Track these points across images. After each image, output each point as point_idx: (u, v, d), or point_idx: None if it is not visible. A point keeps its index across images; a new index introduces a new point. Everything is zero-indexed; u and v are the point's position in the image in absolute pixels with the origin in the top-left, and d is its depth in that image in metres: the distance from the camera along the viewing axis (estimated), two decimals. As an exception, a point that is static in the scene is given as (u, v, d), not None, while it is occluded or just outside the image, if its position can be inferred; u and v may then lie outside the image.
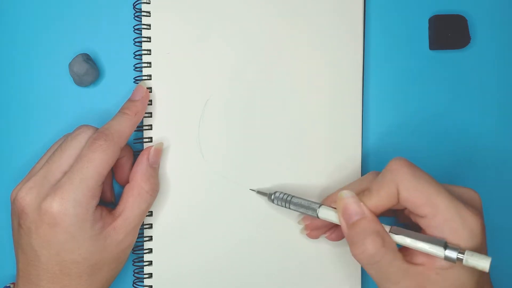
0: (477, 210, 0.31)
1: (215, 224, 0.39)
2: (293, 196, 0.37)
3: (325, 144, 0.40)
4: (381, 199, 0.32)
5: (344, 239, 0.34)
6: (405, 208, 0.33)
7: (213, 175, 0.39)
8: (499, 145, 0.41)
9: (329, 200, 0.36)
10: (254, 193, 0.40)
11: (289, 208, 0.37)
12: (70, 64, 0.39)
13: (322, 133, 0.40)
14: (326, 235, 0.38)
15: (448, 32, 0.40)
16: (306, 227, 0.38)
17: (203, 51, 0.39)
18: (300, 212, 0.36)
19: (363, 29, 0.40)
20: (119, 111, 0.37)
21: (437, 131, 0.41)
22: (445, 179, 0.41)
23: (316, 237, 0.39)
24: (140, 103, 0.37)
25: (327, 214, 0.34)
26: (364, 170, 0.40)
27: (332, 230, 0.38)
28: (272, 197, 0.38)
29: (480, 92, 0.41)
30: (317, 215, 0.35)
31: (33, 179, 0.33)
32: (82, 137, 0.35)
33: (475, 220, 0.30)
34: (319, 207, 0.35)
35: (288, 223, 0.40)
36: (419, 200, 0.30)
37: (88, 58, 0.39)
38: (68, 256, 0.33)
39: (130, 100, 0.38)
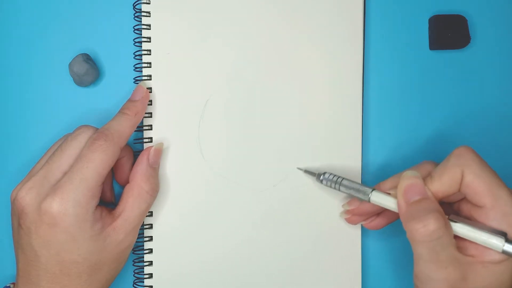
0: None
1: (215, 224, 0.39)
2: (343, 178, 0.37)
3: (325, 143, 0.40)
4: (443, 184, 0.32)
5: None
6: (457, 201, 0.33)
7: (213, 175, 0.39)
8: (499, 145, 0.41)
9: (379, 187, 0.36)
10: (254, 193, 0.40)
11: (339, 190, 0.37)
12: (70, 64, 0.39)
13: (322, 132, 0.40)
14: (365, 222, 0.38)
15: (448, 32, 0.40)
16: (348, 212, 0.38)
17: (203, 51, 0.39)
18: (349, 194, 0.36)
19: (363, 29, 0.40)
20: (119, 111, 0.37)
21: (437, 131, 0.41)
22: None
23: (355, 222, 0.39)
24: (140, 103, 0.37)
25: (380, 198, 0.34)
26: (364, 169, 0.40)
27: (373, 218, 0.38)
28: (321, 177, 0.38)
29: (480, 92, 0.41)
30: (368, 199, 0.35)
31: (33, 179, 0.33)
32: (82, 137, 0.35)
33: None
34: (372, 191, 0.35)
35: (288, 223, 0.40)
36: (481, 188, 0.31)
37: (88, 58, 0.39)
38: (68, 256, 0.33)
39: (130, 100, 0.38)
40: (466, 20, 0.41)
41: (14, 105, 0.40)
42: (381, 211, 0.37)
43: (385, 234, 0.41)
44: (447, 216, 0.32)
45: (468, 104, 0.41)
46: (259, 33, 0.40)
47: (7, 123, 0.40)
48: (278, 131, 0.40)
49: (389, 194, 0.34)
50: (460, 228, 0.31)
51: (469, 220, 0.32)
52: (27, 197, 0.33)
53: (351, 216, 0.38)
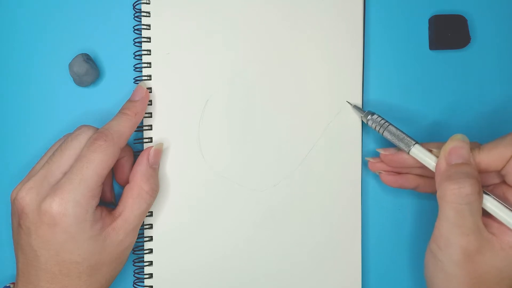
0: None
1: (215, 224, 0.39)
2: (390, 124, 0.36)
3: (325, 143, 0.40)
4: (490, 156, 0.32)
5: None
6: (491, 185, 0.34)
7: (213, 175, 0.39)
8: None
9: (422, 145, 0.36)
10: (254, 193, 0.39)
11: (382, 134, 0.37)
12: (70, 64, 0.39)
13: (322, 132, 0.40)
14: (385, 172, 0.38)
15: (448, 32, 0.40)
16: (375, 159, 0.38)
17: (203, 51, 0.39)
18: (391, 141, 0.36)
19: (363, 29, 0.40)
20: (119, 112, 0.37)
21: (437, 131, 0.41)
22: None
23: (375, 168, 0.38)
24: (140, 104, 0.37)
25: (421, 152, 0.34)
26: (365, 170, 0.40)
27: (392, 173, 0.38)
28: (369, 117, 0.37)
29: (480, 92, 0.41)
30: (409, 150, 0.35)
31: (33, 179, 0.33)
32: (83, 137, 0.34)
33: None
34: (415, 144, 0.35)
35: (288, 223, 0.40)
36: None
37: (88, 58, 0.39)
38: (68, 256, 0.33)
39: (130, 100, 0.37)
40: (466, 20, 0.41)
41: (14, 105, 0.40)
42: (405, 172, 0.38)
43: (386, 234, 0.41)
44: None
45: (468, 104, 0.41)
46: (259, 33, 0.40)
47: (7, 123, 0.40)
48: (278, 131, 0.40)
49: (431, 151, 0.35)
50: (490, 203, 0.32)
51: (500, 200, 0.32)
52: (27, 197, 0.33)
53: (377, 162, 0.38)
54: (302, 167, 0.40)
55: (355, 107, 0.39)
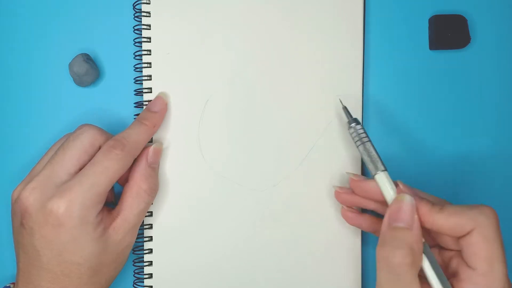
0: None
1: (215, 224, 0.39)
2: (369, 141, 0.35)
3: (325, 143, 0.40)
4: (447, 223, 0.30)
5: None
6: (456, 251, 0.32)
7: (213, 175, 0.39)
8: (499, 145, 0.41)
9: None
10: (254, 193, 0.39)
11: (357, 147, 0.35)
12: (70, 64, 0.39)
13: (322, 132, 0.40)
14: (346, 207, 0.37)
15: (448, 32, 0.40)
16: (343, 189, 0.37)
17: (203, 51, 0.39)
18: (363, 158, 0.35)
19: (363, 29, 0.40)
20: (137, 120, 0.37)
21: (437, 131, 0.41)
22: (443, 176, 0.41)
23: (340, 199, 0.37)
24: (159, 116, 0.38)
25: (383, 182, 0.33)
26: (365, 171, 0.40)
27: (354, 210, 0.37)
28: (353, 125, 0.36)
29: (480, 92, 0.41)
30: (374, 174, 0.33)
31: (36, 179, 0.33)
32: (84, 137, 0.34)
33: None
34: (384, 171, 0.33)
35: (288, 223, 0.40)
36: (485, 253, 0.29)
37: (88, 58, 0.39)
38: (70, 257, 0.33)
39: (149, 110, 0.38)
40: (466, 20, 0.41)
41: (14, 105, 0.40)
42: (367, 208, 0.37)
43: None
44: (425, 244, 0.31)
45: (468, 104, 0.41)
46: (259, 33, 0.40)
47: (7, 123, 0.40)
48: (278, 131, 0.40)
49: (397, 185, 0.33)
50: (427, 270, 0.30)
51: (435, 260, 0.31)
52: (31, 197, 0.33)
53: (343, 193, 0.37)
54: (302, 167, 0.40)
55: (345, 109, 0.37)
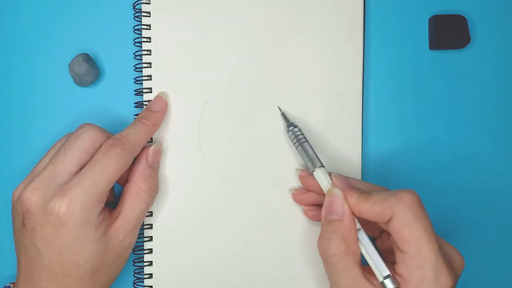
0: (455, 274, 0.31)
1: (215, 224, 0.39)
2: (306, 141, 0.37)
3: (325, 143, 0.40)
4: (370, 211, 0.32)
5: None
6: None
7: (213, 175, 0.39)
8: (499, 145, 0.41)
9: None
10: (254, 193, 0.39)
11: (296, 148, 0.37)
12: (70, 64, 0.39)
13: (322, 132, 0.40)
14: (305, 208, 0.39)
15: (448, 32, 0.40)
16: (298, 190, 0.39)
17: (203, 51, 0.39)
18: (302, 157, 0.37)
19: (363, 29, 0.40)
20: (136, 120, 0.37)
21: (437, 131, 0.41)
22: (442, 176, 0.41)
23: (297, 200, 0.39)
24: (159, 115, 0.38)
25: (321, 178, 0.35)
26: (364, 169, 0.40)
27: (313, 208, 0.38)
28: (290, 128, 0.38)
29: (480, 92, 0.41)
30: (312, 171, 0.36)
31: (37, 179, 0.33)
32: (86, 137, 0.34)
33: (448, 282, 0.30)
34: (320, 167, 0.35)
35: (288, 223, 0.40)
36: (407, 236, 0.30)
37: (88, 58, 0.39)
38: (71, 257, 0.33)
39: (149, 109, 0.38)
40: (466, 20, 0.41)
41: (14, 105, 0.40)
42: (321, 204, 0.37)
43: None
44: (361, 230, 0.32)
45: (468, 104, 0.41)
46: (259, 33, 0.40)
47: (7, 123, 0.40)
48: (278, 131, 0.40)
49: (331, 179, 0.35)
50: (364, 255, 0.32)
51: (371, 245, 0.32)
52: (33, 197, 0.33)
53: (299, 194, 0.39)
54: (302, 167, 0.40)
55: (283, 115, 0.39)
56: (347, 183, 0.34)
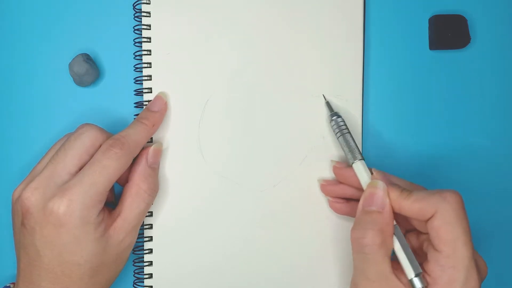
0: (481, 278, 0.32)
1: (215, 224, 0.39)
2: (348, 133, 0.37)
3: (325, 143, 0.40)
4: (411, 208, 0.32)
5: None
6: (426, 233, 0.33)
7: (213, 175, 0.39)
8: (499, 145, 0.41)
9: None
10: (254, 193, 0.39)
11: (337, 138, 0.37)
12: (70, 64, 0.39)
13: (322, 132, 0.40)
14: (332, 199, 0.39)
15: (448, 32, 0.40)
16: (327, 181, 0.39)
17: (203, 51, 0.39)
18: (342, 148, 0.37)
19: (363, 29, 0.40)
20: (136, 120, 0.37)
21: (437, 131, 0.41)
22: (442, 175, 0.41)
23: (326, 191, 0.39)
24: (159, 115, 0.38)
25: (360, 171, 0.36)
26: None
27: (340, 200, 0.39)
28: (334, 118, 0.38)
29: (480, 92, 0.41)
30: (352, 162, 0.36)
31: (37, 180, 0.33)
32: (85, 137, 0.34)
33: (475, 286, 0.31)
34: (360, 160, 0.36)
35: (288, 223, 0.40)
36: (446, 236, 0.31)
37: (88, 58, 0.39)
38: (71, 257, 0.33)
39: (148, 110, 0.38)
40: (466, 20, 0.41)
41: (14, 105, 0.40)
42: (351, 197, 0.38)
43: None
44: (396, 227, 0.33)
45: (468, 104, 0.41)
46: (259, 33, 0.40)
47: (7, 123, 0.40)
48: (278, 131, 0.40)
49: (371, 173, 0.35)
50: (397, 251, 0.32)
51: (406, 243, 0.32)
52: (33, 197, 0.33)
53: (328, 185, 0.39)
54: (302, 167, 0.40)
55: (327, 104, 0.39)
56: (387, 179, 0.35)
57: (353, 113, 0.40)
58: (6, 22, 0.40)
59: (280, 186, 0.40)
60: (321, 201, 0.40)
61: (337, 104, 0.40)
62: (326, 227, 0.40)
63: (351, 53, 0.40)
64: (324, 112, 0.40)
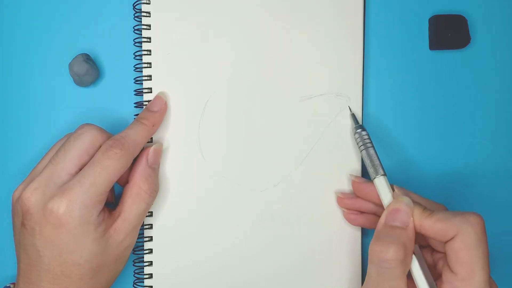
0: None
1: (215, 224, 0.39)
2: (372, 147, 0.37)
3: (325, 144, 0.40)
4: (432, 227, 0.31)
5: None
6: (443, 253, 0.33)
7: (213, 175, 0.39)
8: (499, 145, 0.41)
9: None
10: (254, 193, 0.39)
11: (361, 151, 0.37)
12: (70, 64, 0.39)
13: (322, 133, 0.40)
14: (347, 211, 0.39)
15: (448, 32, 0.40)
16: (344, 194, 0.39)
17: (203, 51, 0.39)
18: (365, 162, 0.37)
19: (363, 29, 0.40)
20: (136, 120, 0.37)
21: (437, 131, 0.41)
22: (441, 175, 0.41)
23: (343, 204, 0.39)
24: (159, 115, 0.38)
25: (382, 186, 0.35)
26: (364, 171, 0.40)
27: (356, 212, 0.39)
28: (358, 131, 0.38)
29: (480, 92, 0.41)
30: (374, 177, 0.35)
31: (37, 180, 0.33)
32: (85, 137, 0.34)
33: None
34: (383, 175, 0.35)
35: (288, 223, 0.40)
36: (465, 259, 0.30)
37: (88, 58, 0.39)
38: (70, 257, 0.33)
39: (148, 110, 0.38)
40: (466, 20, 0.41)
41: (14, 105, 0.40)
42: (367, 211, 0.38)
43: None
44: (417, 247, 0.32)
45: (468, 104, 0.41)
46: (259, 33, 0.40)
47: (7, 123, 0.40)
48: (278, 131, 0.40)
49: (393, 190, 0.35)
50: (415, 270, 0.32)
51: (425, 265, 0.32)
52: (33, 197, 0.33)
53: (345, 198, 0.39)
54: (302, 167, 0.40)
55: (352, 115, 0.39)
56: (408, 195, 0.34)
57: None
58: (6, 22, 0.40)
59: (280, 186, 0.40)
60: (321, 201, 0.40)
61: (337, 104, 0.40)
62: (326, 226, 0.40)
63: (351, 53, 0.40)
64: (325, 112, 0.40)
